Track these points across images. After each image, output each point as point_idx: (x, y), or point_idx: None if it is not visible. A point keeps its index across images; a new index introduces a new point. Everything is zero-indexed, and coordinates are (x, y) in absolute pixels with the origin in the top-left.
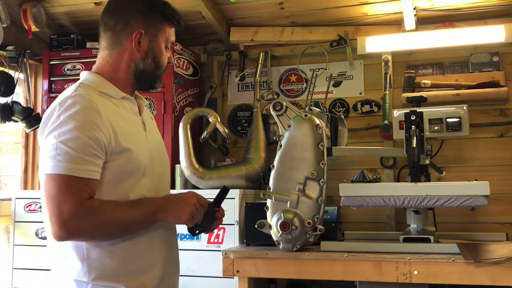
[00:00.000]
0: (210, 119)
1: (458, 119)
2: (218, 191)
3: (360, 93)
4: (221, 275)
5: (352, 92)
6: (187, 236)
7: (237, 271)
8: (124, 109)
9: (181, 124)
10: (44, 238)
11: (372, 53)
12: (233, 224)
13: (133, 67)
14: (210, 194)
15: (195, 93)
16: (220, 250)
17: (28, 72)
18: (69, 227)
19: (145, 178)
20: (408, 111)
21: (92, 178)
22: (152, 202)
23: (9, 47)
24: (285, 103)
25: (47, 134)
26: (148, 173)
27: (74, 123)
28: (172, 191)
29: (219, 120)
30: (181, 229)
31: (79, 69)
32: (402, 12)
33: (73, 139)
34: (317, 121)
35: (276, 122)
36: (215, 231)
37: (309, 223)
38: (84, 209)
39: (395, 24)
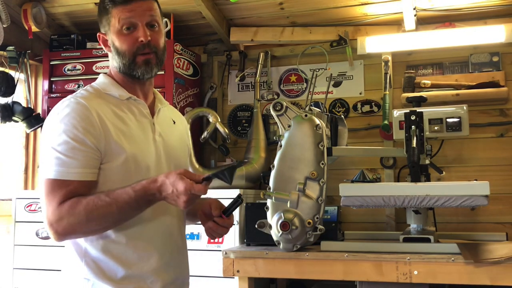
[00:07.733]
0: (210, 119)
1: (458, 119)
2: (218, 190)
3: (360, 93)
4: (221, 275)
5: (352, 92)
6: (187, 236)
7: (237, 271)
8: (129, 110)
9: None
10: (44, 238)
11: (372, 53)
12: (233, 224)
13: (115, 68)
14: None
15: (195, 93)
16: (220, 250)
17: (29, 72)
18: (56, 229)
19: None
20: (408, 111)
21: (80, 179)
22: (145, 181)
23: (10, 47)
24: (285, 103)
25: (44, 138)
26: (153, 175)
27: (63, 127)
28: None
29: (219, 120)
30: None
31: (79, 69)
32: (402, 12)
33: (62, 143)
34: (317, 121)
35: (276, 122)
36: None
37: (309, 223)
38: (63, 210)
39: (395, 24)
